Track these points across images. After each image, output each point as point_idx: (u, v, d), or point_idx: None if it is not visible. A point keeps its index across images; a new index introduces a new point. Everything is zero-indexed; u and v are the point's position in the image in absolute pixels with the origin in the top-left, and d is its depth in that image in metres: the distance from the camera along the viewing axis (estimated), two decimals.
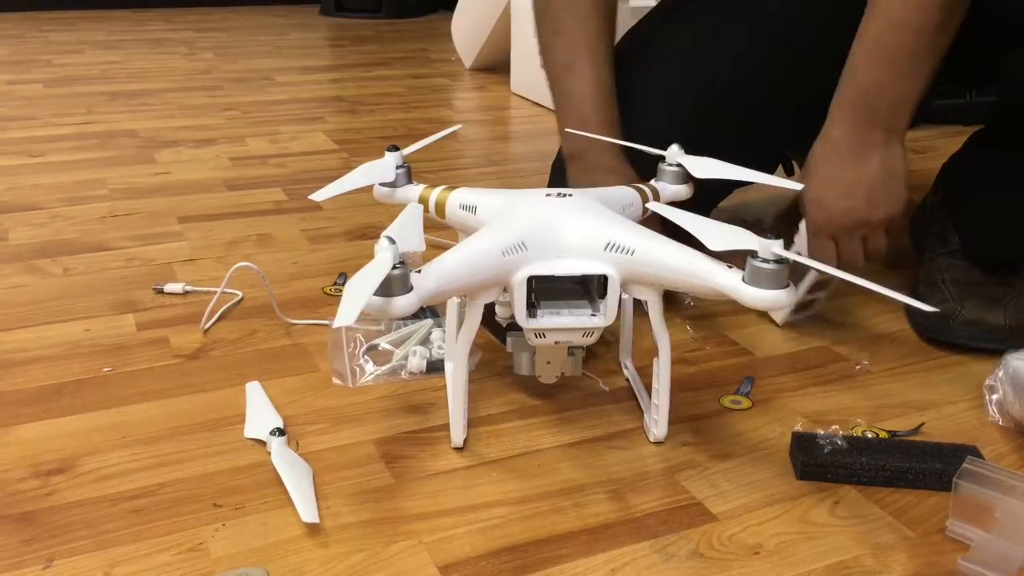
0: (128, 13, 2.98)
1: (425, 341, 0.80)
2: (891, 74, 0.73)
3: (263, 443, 0.66)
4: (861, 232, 0.78)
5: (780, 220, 1.20)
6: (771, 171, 1.15)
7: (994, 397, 0.71)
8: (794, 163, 1.23)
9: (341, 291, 0.92)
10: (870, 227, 0.77)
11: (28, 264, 0.99)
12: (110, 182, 1.26)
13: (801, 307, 0.86)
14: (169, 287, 0.91)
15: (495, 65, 2.15)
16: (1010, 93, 0.81)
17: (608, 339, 0.83)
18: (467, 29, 2.23)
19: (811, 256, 0.78)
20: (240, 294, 0.90)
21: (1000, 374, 0.70)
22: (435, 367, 0.77)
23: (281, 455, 0.63)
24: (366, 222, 1.12)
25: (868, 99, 0.75)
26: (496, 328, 0.81)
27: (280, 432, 0.66)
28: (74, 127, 1.56)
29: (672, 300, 0.91)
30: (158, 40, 2.51)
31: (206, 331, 0.84)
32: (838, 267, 0.71)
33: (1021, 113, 0.81)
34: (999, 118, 0.86)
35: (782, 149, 1.12)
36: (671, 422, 0.68)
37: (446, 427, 0.69)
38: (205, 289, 0.91)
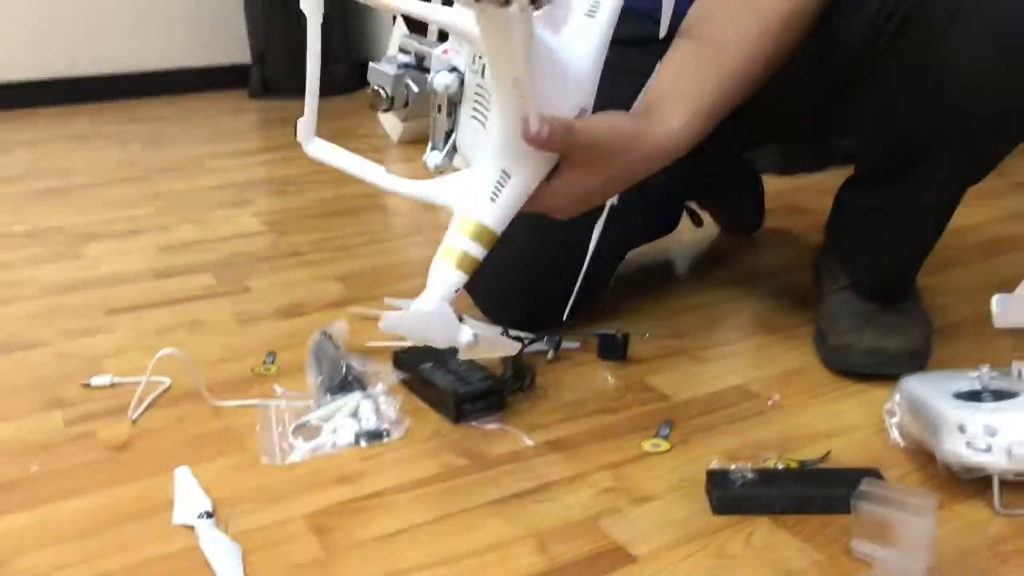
0: (56, 110, 2.98)
1: (354, 414, 0.82)
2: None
3: (193, 528, 0.67)
4: None
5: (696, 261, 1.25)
6: (675, 224, 1.20)
7: (894, 420, 0.75)
8: (700, 212, 1.30)
9: (270, 371, 0.93)
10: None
11: None
12: (37, 280, 1.26)
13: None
14: (96, 380, 0.91)
15: (422, 137, 2.20)
16: (862, 132, 0.87)
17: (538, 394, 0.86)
18: None
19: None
20: (168, 381, 0.91)
21: (897, 397, 0.75)
22: (364, 437, 0.79)
23: (210, 538, 0.64)
24: (295, 301, 1.14)
25: None
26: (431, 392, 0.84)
27: (209, 515, 0.67)
28: (0, 228, 1.55)
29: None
30: (86, 135, 2.51)
31: (134, 421, 0.84)
32: None
33: (869, 155, 0.88)
34: (857, 160, 0.92)
35: (680, 196, 1.18)
36: (592, 471, 0.70)
37: (377, 495, 0.71)
38: (133, 379, 0.91)
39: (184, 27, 3.25)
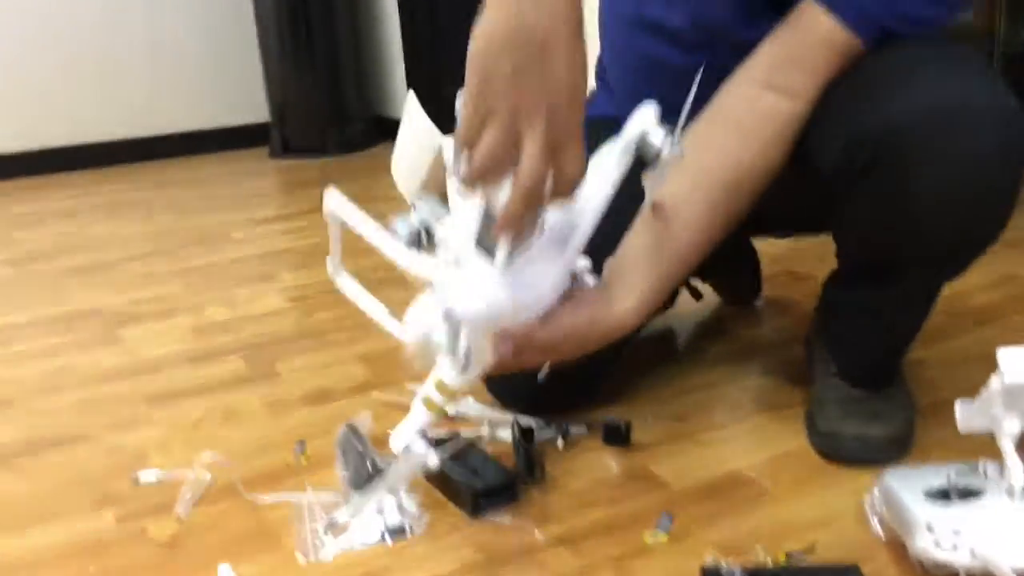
0: (84, 175, 3.10)
1: (380, 511, 0.89)
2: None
3: None
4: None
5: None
6: (674, 300, 1.27)
7: (875, 513, 0.81)
8: (699, 285, 1.37)
9: (300, 461, 1.01)
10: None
11: (7, 463, 1.06)
12: (79, 368, 1.35)
13: None
14: (143, 476, 0.99)
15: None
16: (841, 242, 0.94)
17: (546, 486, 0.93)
18: (406, 166, 2.39)
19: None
20: (209, 476, 0.98)
21: (876, 492, 0.81)
22: (388, 533, 0.86)
23: None
24: (321, 386, 1.22)
25: None
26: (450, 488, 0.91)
27: None
28: (38, 311, 1.65)
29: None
30: (114, 204, 2.62)
31: (180, 518, 0.92)
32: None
33: (849, 261, 0.95)
34: (841, 261, 0.98)
35: None
36: (598, 563, 0.77)
37: None
38: (177, 473, 0.99)
39: (203, 88, 3.37)
